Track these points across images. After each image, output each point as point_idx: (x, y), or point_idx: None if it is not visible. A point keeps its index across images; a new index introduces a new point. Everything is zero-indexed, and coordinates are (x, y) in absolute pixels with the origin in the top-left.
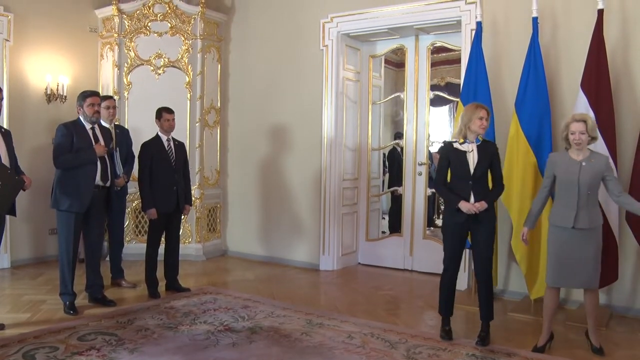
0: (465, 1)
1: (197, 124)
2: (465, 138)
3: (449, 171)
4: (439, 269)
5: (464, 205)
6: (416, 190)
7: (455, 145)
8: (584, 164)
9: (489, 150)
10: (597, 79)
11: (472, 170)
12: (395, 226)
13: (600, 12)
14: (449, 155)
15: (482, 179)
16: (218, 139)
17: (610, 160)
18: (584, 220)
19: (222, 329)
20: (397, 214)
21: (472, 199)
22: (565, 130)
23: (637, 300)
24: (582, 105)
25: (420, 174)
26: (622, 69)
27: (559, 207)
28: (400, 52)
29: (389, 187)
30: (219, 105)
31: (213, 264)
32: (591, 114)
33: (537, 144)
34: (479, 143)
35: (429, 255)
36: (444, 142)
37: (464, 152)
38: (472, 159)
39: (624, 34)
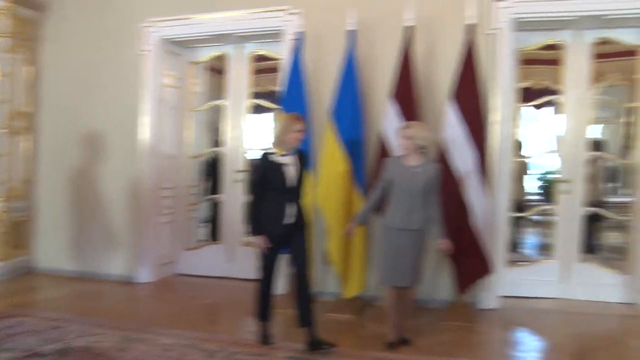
0: (288, 12)
1: (2, 131)
2: (282, 149)
3: (265, 182)
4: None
5: (257, 241)
6: (235, 197)
7: (273, 157)
8: (417, 170)
9: (303, 161)
10: (406, 90)
11: (291, 183)
12: (214, 234)
13: (409, 29)
14: (267, 167)
15: (300, 190)
16: (27, 146)
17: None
18: (415, 222)
19: (28, 355)
20: (216, 222)
21: (291, 210)
22: (396, 137)
23: (437, 292)
24: (392, 116)
25: (239, 181)
26: (426, 83)
27: (393, 210)
28: (222, 59)
29: (208, 195)
30: (29, 110)
31: (19, 283)
32: (399, 124)
33: (351, 152)
34: (294, 154)
35: (248, 261)
36: (262, 155)
37: (283, 165)
38: (291, 172)
39: (430, 49)
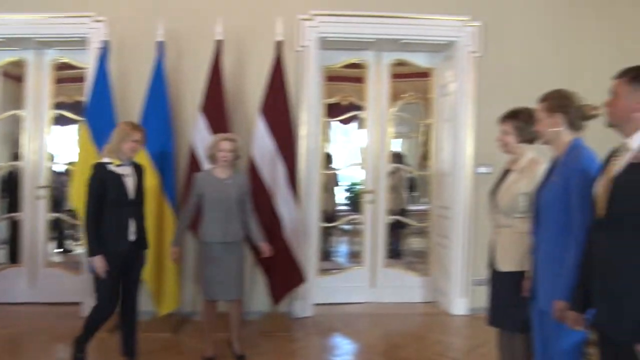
0: (93, 19)
1: None
2: (117, 159)
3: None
4: (65, 297)
5: (94, 263)
6: (37, 215)
7: (111, 167)
8: (229, 181)
9: (140, 174)
10: (216, 103)
11: (132, 196)
12: (13, 256)
13: (218, 42)
14: (104, 178)
15: (141, 204)
16: None
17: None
18: (232, 234)
19: None
20: (16, 243)
21: (133, 226)
22: (213, 149)
23: (252, 303)
24: (201, 128)
25: (41, 197)
26: (236, 96)
27: (209, 224)
28: (20, 65)
29: (7, 213)
30: None
31: None
32: (210, 137)
33: (161, 165)
34: (129, 165)
35: (53, 284)
36: (97, 164)
37: (122, 176)
38: (131, 183)
39: (240, 63)
